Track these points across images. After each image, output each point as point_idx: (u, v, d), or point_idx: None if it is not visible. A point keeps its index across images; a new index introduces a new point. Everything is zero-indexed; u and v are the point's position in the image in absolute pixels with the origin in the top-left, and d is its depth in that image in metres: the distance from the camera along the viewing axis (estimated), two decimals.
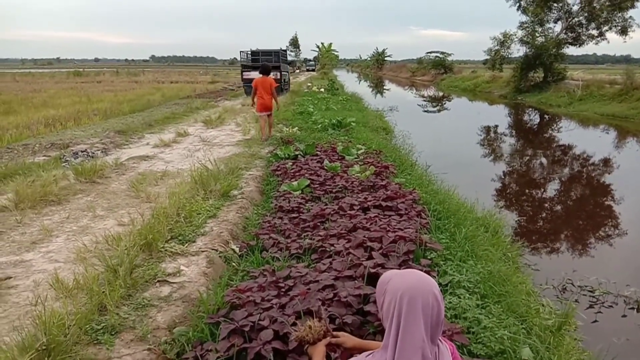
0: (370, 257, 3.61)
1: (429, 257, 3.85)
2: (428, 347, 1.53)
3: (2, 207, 5.07)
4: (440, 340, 1.65)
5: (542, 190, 9.92)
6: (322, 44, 76.45)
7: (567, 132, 17.91)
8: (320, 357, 1.99)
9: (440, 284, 3.46)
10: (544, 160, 13.33)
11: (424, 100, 33.60)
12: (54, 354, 2.42)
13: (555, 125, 20.42)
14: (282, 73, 23.85)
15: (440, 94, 39.18)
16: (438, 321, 1.58)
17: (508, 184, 10.48)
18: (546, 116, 23.09)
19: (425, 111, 26.18)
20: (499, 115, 24.22)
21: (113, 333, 2.83)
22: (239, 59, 27.14)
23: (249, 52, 24.62)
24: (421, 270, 3.42)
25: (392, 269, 3.45)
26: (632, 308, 4.87)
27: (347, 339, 2.07)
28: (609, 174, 11.44)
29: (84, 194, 5.82)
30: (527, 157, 13.65)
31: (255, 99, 9.85)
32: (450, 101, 33.32)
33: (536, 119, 23.18)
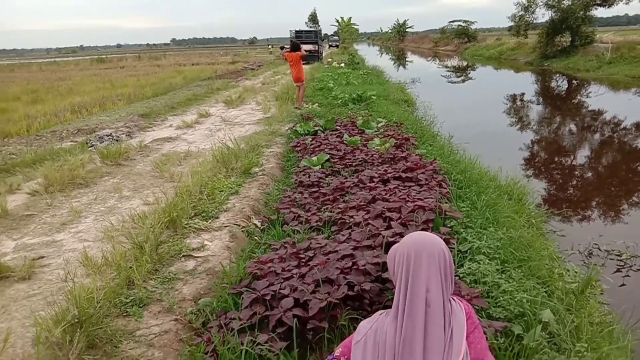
0: (388, 227, 3.64)
1: (448, 226, 3.85)
2: (436, 300, 1.55)
3: (33, 191, 5.26)
4: (453, 299, 1.67)
5: (570, 157, 9.69)
6: (341, 18, 75.41)
7: (596, 97, 17.35)
8: None
9: (460, 251, 3.47)
10: (571, 126, 13.01)
11: (448, 71, 32.95)
12: (86, 325, 2.54)
13: (583, 91, 19.81)
14: (319, 46, 33.61)
15: (464, 63, 38.34)
16: (447, 276, 1.60)
17: (534, 152, 10.27)
18: (574, 81, 22.39)
19: (450, 82, 25.68)
20: (525, 83, 23.61)
21: (141, 305, 2.94)
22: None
23: (295, 32, 33.50)
24: (440, 237, 3.46)
25: None
26: None
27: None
28: None
29: (110, 176, 5.98)
30: (554, 125, 13.30)
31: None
32: (474, 70, 32.58)
33: (563, 84, 22.51)
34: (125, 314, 2.86)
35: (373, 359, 1.60)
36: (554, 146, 10.66)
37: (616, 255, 5.04)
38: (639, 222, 6.25)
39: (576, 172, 8.66)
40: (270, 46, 63.11)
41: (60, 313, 2.60)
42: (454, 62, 40.97)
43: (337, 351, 1.83)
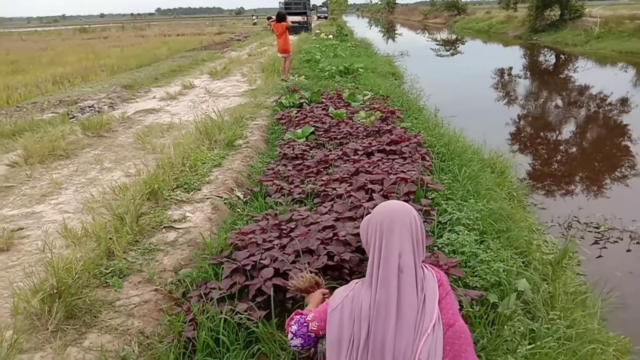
0: (370, 199, 3.65)
1: (430, 197, 3.87)
2: (408, 266, 1.60)
3: (13, 162, 5.18)
4: (425, 266, 1.71)
5: (554, 132, 9.75)
6: None
7: (582, 72, 17.39)
8: (315, 304, 2.10)
9: (440, 222, 3.50)
10: (555, 101, 13.04)
11: (437, 44, 32.65)
12: (64, 296, 2.54)
13: (569, 66, 19.80)
14: (308, 17, 33.84)
15: (454, 36, 38.03)
16: (418, 242, 1.66)
17: (520, 127, 10.30)
18: (561, 56, 22.36)
19: (439, 55, 25.50)
20: (513, 57, 23.55)
21: (121, 276, 2.95)
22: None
23: (284, 2, 33.87)
24: (421, 208, 3.49)
25: None
26: (638, 243, 4.88)
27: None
28: (625, 113, 11.17)
29: (92, 147, 5.91)
30: (539, 100, 13.34)
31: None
32: (464, 44, 32.38)
33: (551, 59, 22.48)
34: (105, 285, 2.86)
35: (349, 325, 1.65)
36: (539, 121, 10.70)
37: (594, 227, 5.12)
38: (618, 195, 6.34)
39: (560, 147, 8.73)
40: (254, 17, 61.95)
41: (38, 284, 2.60)
42: (443, 35, 40.61)
43: (310, 316, 1.87)
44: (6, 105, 10.21)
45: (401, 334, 1.55)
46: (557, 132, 9.67)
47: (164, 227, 3.58)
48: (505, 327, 2.36)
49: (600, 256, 4.73)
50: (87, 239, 3.34)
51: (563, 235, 5.01)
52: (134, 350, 2.37)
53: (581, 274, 4.22)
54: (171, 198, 4.03)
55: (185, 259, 3.19)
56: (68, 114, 7.85)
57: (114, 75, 14.49)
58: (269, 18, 33.04)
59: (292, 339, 1.89)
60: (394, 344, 1.55)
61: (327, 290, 2.22)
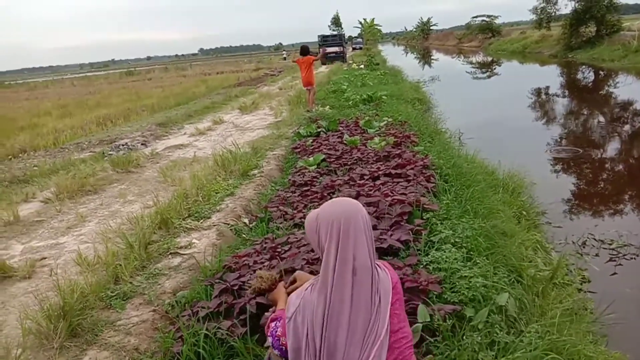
0: None
1: (425, 217, 3.97)
2: (363, 267, 1.56)
3: (46, 199, 5.63)
4: (379, 265, 1.68)
5: (585, 151, 9.52)
6: (364, 19, 75.38)
7: (620, 87, 16.96)
8: (283, 300, 2.06)
9: (431, 241, 3.59)
10: (585, 119, 12.75)
11: (473, 67, 32.60)
12: (68, 316, 2.80)
13: (604, 82, 19.34)
14: (343, 48, 37.49)
15: (489, 58, 37.86)
16: (371, 242, 1.61)
17: (544, 147, 10.14)
18: (594, 72, 21.92)
19: (475, 78, 25.43)
20: (548, 76, 23.17)
21: (125, 299, 3.20)
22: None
23: (322, 36, 38.53)
24: (412, 228, 3.60)
25: (383, 229, 3.63)
26: None
27: (301, 275, 2.13)
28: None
29: (119, 183, 6.32)
30: (569, 118, 13.07)
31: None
32: (500, 65, 32.11)
33: (588, 75, 22.02)
34: (109, 306, 3.11)
35: (303, 333, 1.63)
36: (570, 139, 10.49)
37: (608, 244, 5.03)
38: (635, 211, 6.19)
39: (585, 166, 8.52)
40: (284, 52, 63.71)
41: (48, 306, 2.87)
42: (479, 58, 40.51)
43: (279, 330, 1.83)
44: (53, 147, 10.96)
45: (353, 340, 1.55)
46: (587, 151, 9.45)
47: (170, 253, 3.83)
48: (465, 337, 2.42)
49: (615, 273, 4.64)
50: (99, 266, 3.63)
51: (578, 252, 4.95)
52: None
53: (590, 291, 4.19)
54: (181, 226, 4.30)
55: (185, 282, 3.41)
56: (103, 153, 8.39)
57: (153, 115, 15.23)
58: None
59: (274, 348, 1.88)
60: (345, 348, 1.54)
61: (289, 284, 2.14)
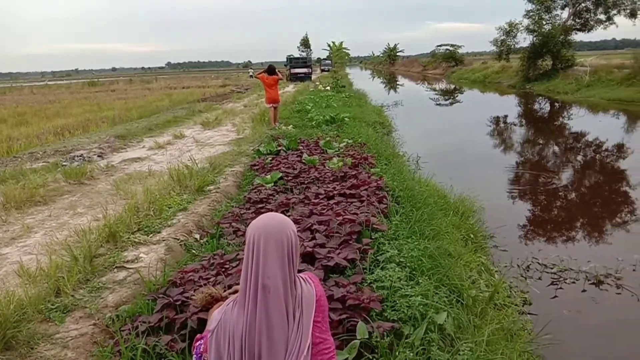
0: (313, 239, 3.85)
1: (373, 237, 4.06)
2: (276, 286, 1.57)
3: None
4: (304, 279, 1.71)
5: (535, 178, 9.90)
6: (333, 42, 76.54)
7: (569, 119, 17.82)
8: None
9: (377, 260, 3.68)
10: (543, 148, 13.30)
11: (436, 94, 33.51)
12: (2, 328, 2.73)
13: (559, 113, 20.26)
14: (310, 69, 43.08)
15: (452, 86, 39.04)
16: (290, 260, 1.62)
17: (495, 173, 10.50)
18: (550, 103, 22.98)
19: (437, 104, 26.10)
20: (505, 105, 24.10)
21: (65, 312, 3.14)
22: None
23: (291, 57, 43.48)
24: (360, 247, 3.68)
25: (331, 247, 3.70)
26: (593, 283, 4.99)
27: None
28: (611, 158, 11.39)
29: (71, 194, 6.19)
30: (525, 146, 13.61)
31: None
32: (462, 93, 33.13)
33: (542, 107, 23.01)
34: (48, 319, 3.04)
35: (225, 348, 1.64)
36: (525, 166, 10.89)
37: (550, 268, 5.25)
38: (581, 237, 6.48)
39: (531, 193, 8.85)
40: (251, 70, 64.20)
41: None
42: (442, 85, 41.74)
43: (202, 347, 1.88)
44: (6, 156, 10.60)
45: (275, 356, 1.57)
46: (535, 177, 9.84)
47: (116, 267, 3.78)
48: (398, 353, 2.49)
49: (555, 296, 4.83)
50: (40, 278, 3.54)
51: (522, 276, 5.14)
52: None
53: (531, 313, 4.36)
54: (129, 240, 4.25)
55: (129, 296, 3.37)
56: (57, 164, 8.19)
57: (113, 127, 14.95)
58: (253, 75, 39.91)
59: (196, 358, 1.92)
60: None
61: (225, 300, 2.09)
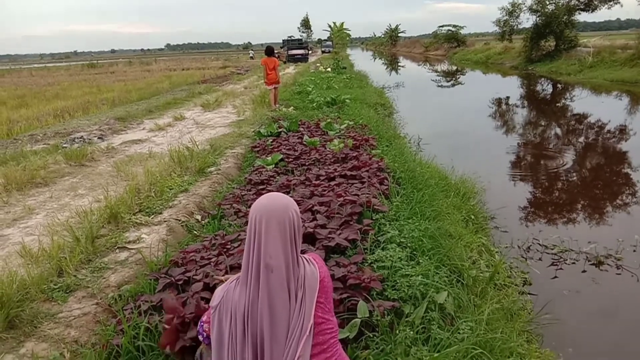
0: (314, 219, 3.86)
1: (374, 218, 4.07)
2: (279, 266, 1.58)
3: None
4: (307, 259, 1.72)
5: (537, 160, 9.89)
6: (334, 23, 75.87)
7: (571, 101, 17.69)
8: None
9: (378, 241, 3.69)
10: (545, 130, 13.25)
11: (438, 75, 33.24)
12: (6, 307, 2.75)
13: (562, 95, 20.12)
14: (307, 50, 44.01)
15: (454, 67, 38.71)
16: (293, 240, 1.63)
17: (498, 154, 10.48)
18: (552, 85, 22.79)
19: (439, 86, 25.91)
20: (509, 87, 23.93)
21: (68, 291, 3.15)
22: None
23: (288, 39, 44.98)
24: (360, 227, 3.68)
25: (332, 228, 3.71)
26: (593, 264, 5.01)
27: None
28: (613, 140, 11.35)
29: (71, 176, 6.18)
30: (527, 128, 13.55)
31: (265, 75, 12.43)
32: (464, 75, 32.86)
33: (544, 88, 22.84)
34: (51, 299, 3.06)
35: (226, 324, 1.66)
36: (525, 149, 10.86)
37: (551, 249, 5.26)
38: (582, 219, 6.49)
39: (534, 174, 8.85)
40: (251, 51, 63.92)
41: None
42: (444, 66, 41.40)
43: (204, 317, 1.92)
44: (6, 138, 10.59)
45: (277, 335, 1.58)
46: (538, 160, 9.81)
47: (118, 247, 3.79)
48: (399, 332, 2.51)
49: (555, 277, 4.85)
50: (43, 258, 3.56)
51: (522, 257, 5.16)
52: (63, 356, 2.55)
53: (531, 293, 4.38)
54: (131, 221, 4.26)
55: (131, 276, 3.39)
56: (58, 146, 8.17)
57: (113, 109, 14.90)
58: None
59: (201, 337, 1.93)
60: (271, 343, 1.57)
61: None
